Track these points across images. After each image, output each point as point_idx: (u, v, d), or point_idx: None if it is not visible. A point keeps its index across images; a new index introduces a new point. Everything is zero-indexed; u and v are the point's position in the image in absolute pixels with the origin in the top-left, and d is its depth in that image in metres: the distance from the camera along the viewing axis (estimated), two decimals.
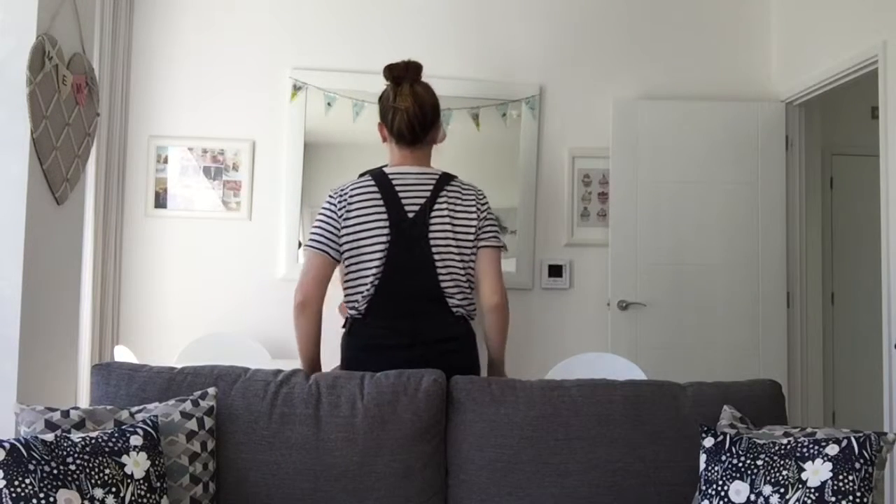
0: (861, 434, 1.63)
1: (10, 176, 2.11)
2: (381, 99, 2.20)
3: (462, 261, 2.11)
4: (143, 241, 3.76)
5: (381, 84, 2.75)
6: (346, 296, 2.14)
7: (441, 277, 2.08)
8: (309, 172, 3.82)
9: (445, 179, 2.15)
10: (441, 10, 3.94)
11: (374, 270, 2.04)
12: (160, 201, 3.77)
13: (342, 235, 2.07)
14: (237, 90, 3.84)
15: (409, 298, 2.06)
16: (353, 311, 2.12)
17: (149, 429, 1.67)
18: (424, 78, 2.29)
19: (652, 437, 1.94)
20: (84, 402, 3.11)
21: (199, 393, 1.87)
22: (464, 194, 2.14)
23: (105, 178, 3.54)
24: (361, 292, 2.07)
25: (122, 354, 3.03)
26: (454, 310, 2.12)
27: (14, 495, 1.41)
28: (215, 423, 1.85)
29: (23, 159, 2.11)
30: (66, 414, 1.68)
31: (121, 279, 3.71)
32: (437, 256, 2.06)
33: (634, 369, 2.82)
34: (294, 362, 2.96)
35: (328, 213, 2.10)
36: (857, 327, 4.57)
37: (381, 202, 2.05)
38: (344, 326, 2.20)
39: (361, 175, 2.27)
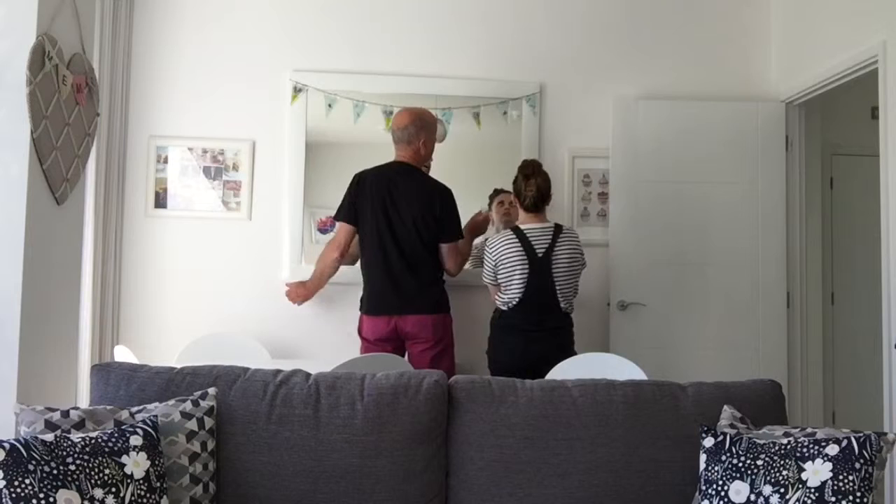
0: (861, 434, 1.63)
1: (10, 176, 2.11)
2: (515, 182, 3.26)
3: (574, 278, 3.22)
4: (143, 241, 3.76)
5: (381, 84, 3.72)
6: (500, 298, 3.23)
7: (558, 291, 3.15)
8: (310, 173, 3.82)
9: (559, 228, 3.20)
10: (442, 9, 3.94)
11: (520, 286, 3.13)
12: (160, 201, 3.77)
13: (498, 268, 3.21)
14: (237, 90, 3.83)
15: (538, 302, 3.15)
16: (504, 307, 3.20)
17: (149, 429, 1.67)
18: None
19: (652, 437, 1.94)
20: (84, 402, 3.11)
21: (199, 393, 1.86)
22: (571, 238, 3.22)
23: (105, 178, 3.55)
24: (513, 298, 3.14)
25: (122, 354, 3.02)
26: (563, 308, 3.18)
27: (14, 495, 1.41)
28: (215, 423, 1.85)
29: (23, 159, 2.11)
30: (65, 414, 1.68)
31: (121, 279, 3.71)
32: (556, 277, 3.14)
33: (634, 369, 2.81)
34: (293, 362, 2.97)
35: (488, 254, 3.23)
36: (857, 327, 4.56)
37: (520, 246, 3.14)
38: (495, 313, 3.31)
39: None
